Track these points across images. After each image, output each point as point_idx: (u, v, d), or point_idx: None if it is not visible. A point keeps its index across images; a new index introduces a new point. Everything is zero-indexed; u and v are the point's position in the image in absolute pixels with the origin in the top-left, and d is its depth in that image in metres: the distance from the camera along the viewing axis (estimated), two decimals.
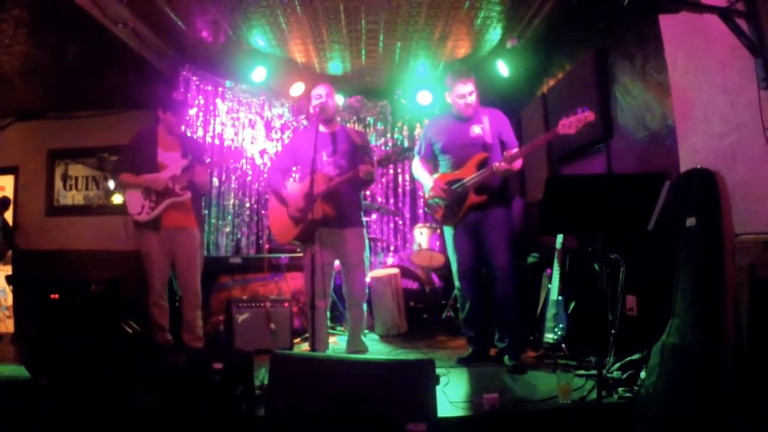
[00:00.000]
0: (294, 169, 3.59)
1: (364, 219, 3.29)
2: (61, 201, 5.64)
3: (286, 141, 5.26)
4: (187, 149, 3.34)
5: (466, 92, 3.10)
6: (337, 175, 3.05)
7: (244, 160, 5.32)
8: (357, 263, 3.13)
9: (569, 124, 2.72)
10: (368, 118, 5.74)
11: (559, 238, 3.28)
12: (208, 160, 3.80)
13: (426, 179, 3.25)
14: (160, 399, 2.05)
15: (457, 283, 3.22)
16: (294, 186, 3.19)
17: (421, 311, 4.39)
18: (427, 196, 3.25)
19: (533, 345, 3.35)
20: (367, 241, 3.21)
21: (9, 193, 5.72)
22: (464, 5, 3.89)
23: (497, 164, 2.92)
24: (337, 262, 3.25)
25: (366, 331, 3.56)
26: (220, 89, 5.12)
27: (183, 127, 3.64)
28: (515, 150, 2.94)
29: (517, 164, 2.97)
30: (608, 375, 2.53)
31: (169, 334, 3.25)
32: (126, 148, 3.33)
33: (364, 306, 3.21)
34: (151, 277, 3.19)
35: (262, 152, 3.60)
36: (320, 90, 3.16)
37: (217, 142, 5.10)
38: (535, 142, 3.00)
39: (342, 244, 3.09)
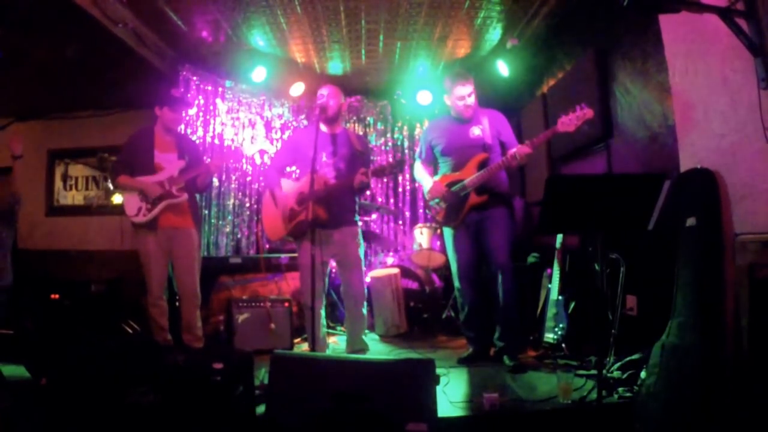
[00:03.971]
0: (291, 168, 3.59)
1: (359, 219, 3.27)
2: (61, 201, 5.64)
3: (287, 139, 5.26)
4: (183, 150, 3.33)
5: (465, 93, 3.10)
6: (334, 178, 3.05)
7: (244, 160, 5.32)
8: (353, 262, 3.13)
9: (568, 122, 2.72)
10: (368, 118, 5.74)
11: (559, 237, 3.28)
12: (208, 159, 3.80)
13: (427, 182, 3.25)
14: (160, 399, 2.05)
15: (456, 284, 3.22)
16: (290, 185, 3.18)
17: (421, 311, 4.39)
18: (428, 198, 3.25)
19: (533, 345, 3.35)
20: (361, 240, 3.20)
21: None
22: (464, 5, 3.89)
23: (516, 150, 2.89)
24: (333, 262, 3.25)
25: (366, 331, 3.55)
26: (220, 89, 5.12)
27: (182, 127, 3.63)
28: (516, 148, 2.93)
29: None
30: (608, 375, 2.53)
31: (169, 334, 3.25)
32: (123, 150, 3.33)
33: (364, 304, 3.21)
34: (150, 278, 3.19)
35: (262, 152, 3.60)
36: (322, 90, 3.17)
37: (217, 142, 5.10)
38: (536, 140, 2.98)
39: (336, 244, 3.09)
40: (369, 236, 4.94)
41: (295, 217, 3.05)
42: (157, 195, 3.16)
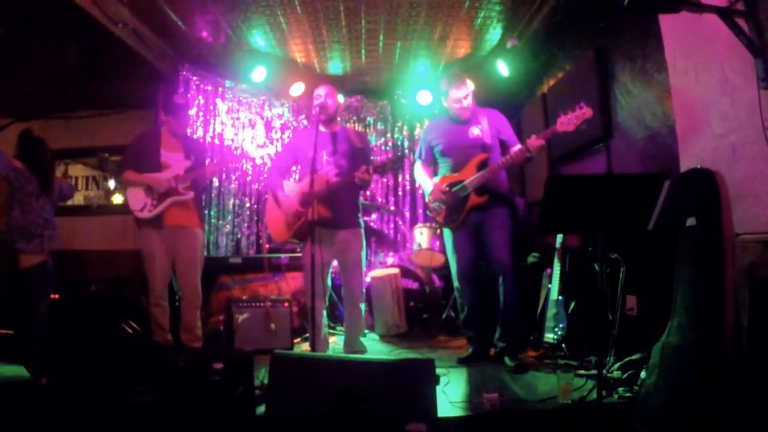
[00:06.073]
0: (294, 168, 3.59)
1: (362, 219, 3.28)
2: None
3: (287, 141, 5.27)
4: (189, 150, 3.36)
5: (461, 96, 3.10)
6: (336, 175, 3.06)
7: (244, 160, 5.31)
8: (354, 263, 3.13)
9: (568, 121, 2.72)
10: (368, 118, 5.73)
11: (559, 237, 3.28)
12: (215, 162, 3.83)
13: (426, 183, 3.25)
14: (160, 399, 2.05)
15: (456, 284, 3.22)
16: (292, 186, 3.19)
17: (421, 311, 4.39)
18: (427, 200, 3.25)
19: (533, 345, 3.35)
20: (364, 241, 3.21)
21: None
22: (464, 5, 3.89)
23: (530, 143, 2.84)
24: (335, 263, 3.25)
25: (366, 331, 3.55)
26: (220, 89, 5.12)
27: (189, 131, 3.65)
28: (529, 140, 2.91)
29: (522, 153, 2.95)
30: (608, 375, 2.53)
31: (169, 334, 3.25)
32: (129, 147, 3.35)
33: (362, 306, 3.21)
34: (153, 278, 3.19)
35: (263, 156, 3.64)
36: (320, 90, 3.18)
37: (217, 142, 5.10)
38: (544, 133, 2.93)
39: (339, 244, 3.09)
40: (372, 234, 4.93)
41: (300, 219, 3.05)
42: (165, 189, 3.17)
